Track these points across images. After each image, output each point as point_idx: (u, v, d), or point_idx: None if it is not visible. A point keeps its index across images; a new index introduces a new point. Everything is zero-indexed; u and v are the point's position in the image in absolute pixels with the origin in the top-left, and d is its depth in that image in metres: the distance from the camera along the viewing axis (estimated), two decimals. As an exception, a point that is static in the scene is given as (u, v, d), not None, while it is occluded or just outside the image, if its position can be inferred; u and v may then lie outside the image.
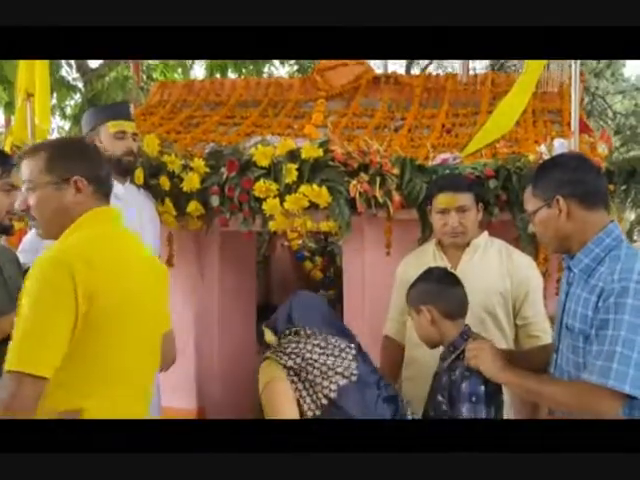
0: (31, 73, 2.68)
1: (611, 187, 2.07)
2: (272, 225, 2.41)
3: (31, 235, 2.10)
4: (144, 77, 5.98)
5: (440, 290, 1.74)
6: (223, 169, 2.41)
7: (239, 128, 3.39)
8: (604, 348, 1.32)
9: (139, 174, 2.41)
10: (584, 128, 2.80)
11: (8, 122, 5.64)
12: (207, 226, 2.56)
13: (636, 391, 1.29)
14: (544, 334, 2.01)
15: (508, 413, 1.90)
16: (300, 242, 4.63)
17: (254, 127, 3.40)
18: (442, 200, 2.02)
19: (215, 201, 2.42)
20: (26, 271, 1.68)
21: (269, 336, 1.80)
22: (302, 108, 3.63)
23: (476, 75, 3.80)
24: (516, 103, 2.40)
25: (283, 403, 1.63)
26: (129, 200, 2.26)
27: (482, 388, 1.56)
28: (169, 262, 2.65)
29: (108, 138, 2.19)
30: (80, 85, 5.95)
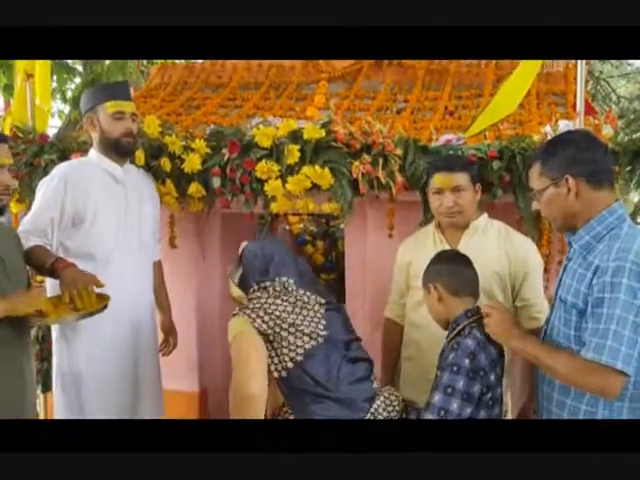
0: (30, 53, 2.65)
1: (616, 168, 2.06)
2: (274, 207, 2.40)
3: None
4: (144, 61, 5.93)
5: (446, 268, 1.76)
6: (224, 150, 2.38)
7: (240, 110, 3.37)
8: (600, 326, 1.35)
9: (140, 155, 2.39)
10: (589, 110, 2.78)
11: (7, 105, 5.61)
12: (208, 208, 2.54)
13: (626, 367, 1.32)
14: (544, 316, 2.01)
15: (505, 396, 1.91)
16: (301, 226, 4.63)
17: (255, 109, 3.38)
18: (437, 180, 2.02)
19: (216, 182, 2.39)
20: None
21: (236, 292, 1.81)
22: (304, 90, 3.60)
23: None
24: (520, 83, 2.38)
25: (251, 354, 1.63)
26: (128, 182, 2.24)
27: (466, 361, 1.57)
28: (172, 244, 2.65)
29: (106, 118, 2.13)
30: (80, 68, 5.90)
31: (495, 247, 2.05)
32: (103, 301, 1.89)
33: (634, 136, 2.13)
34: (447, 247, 2.05)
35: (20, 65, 2.68)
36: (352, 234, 2.68)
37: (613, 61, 8.98)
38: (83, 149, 2.49)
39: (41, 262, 1.94)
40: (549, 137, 2.23)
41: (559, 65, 2.65)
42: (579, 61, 2.21)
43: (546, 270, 2.24)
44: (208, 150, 2.41)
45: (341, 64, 3.69)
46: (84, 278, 1.88)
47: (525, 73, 2.34)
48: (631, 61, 9.93)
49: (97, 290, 1.89)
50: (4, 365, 1.73)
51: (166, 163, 2.43)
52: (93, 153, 2.22)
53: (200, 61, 4.05)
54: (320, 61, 3.73)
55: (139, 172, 2.36)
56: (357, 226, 2.61)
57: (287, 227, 4.57)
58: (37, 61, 2.69)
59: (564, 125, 2.35)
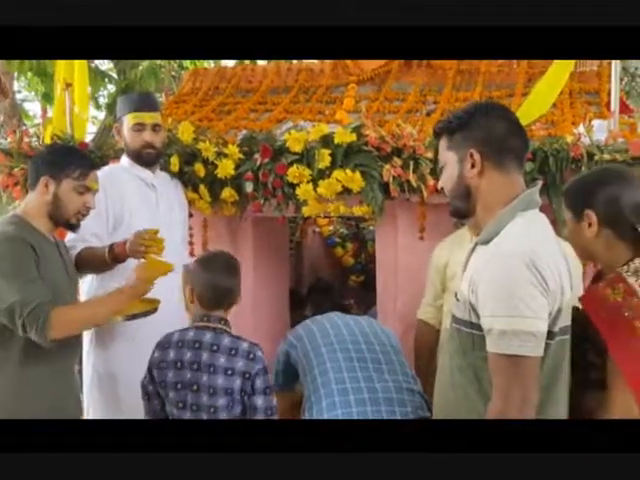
0: (70, 62, 2.73)
1: None
2: (305, 210, 2.43)
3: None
4: (175, 65, 6.03)
5: (195, 274, 1.78)
6: (257, 155, 2.42)
7: (271, 114, 3.40)
8: None
9: (174, 161, 2.45)
10: (623, 108, 2.73)
11: (44, 112, 5.77)
12: (241, 212, 2.59)
13: None
14: None
15: None
16: (331, 228, 4.65)
17: (285, 113, 3.40)
18: None
19: (249, 187, 2.44)
20: None
21: None
22: (333, 93, 3.61)
23: (510, 56, 3.70)
24: (553, 84, 2.35)
25: None
26: (159, 187, 2.32)
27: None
28: (204, 248, 2.70)
29: (127, 130, 2.23)
30: (114, 74, 6.03)
31: None
32: (154, 303, 1.95)
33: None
34: None
35: (59, 74, 2.76)
36: (383, 237, 2.69)
37: (648, 56, 8.74)
38: (120, 156, 2.56)
39: (98, 257, 2.01)
40: (582, 138, 2.21)
41: (592, 64, 2.61)
42: (614, 60, 2.18)
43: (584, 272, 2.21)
44: (241, 155, 2.45)
45: (370, 66, 3.69)
46: (142, 234, 1.95)
47: (558, 73, 2.32)
48: (667, 55, 9.62)
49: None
50: (58, 363, 1.80)
51: (200, 169, 2.48)
52: (125, 159, 2.31)
53: (230, 66, 4.10)
54: (349, 64, 3.73)
55: (169, 178, 2.44)
56: (388, 229, 2.62)
57: (317, 229, 4.60)
58: (75, 70, 2.77)
59: (598, 124, 2.32)
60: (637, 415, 1.36)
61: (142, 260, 1.91)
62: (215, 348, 1.71)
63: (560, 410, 1.34)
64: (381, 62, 3.67)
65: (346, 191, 2.37)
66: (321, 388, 1.90)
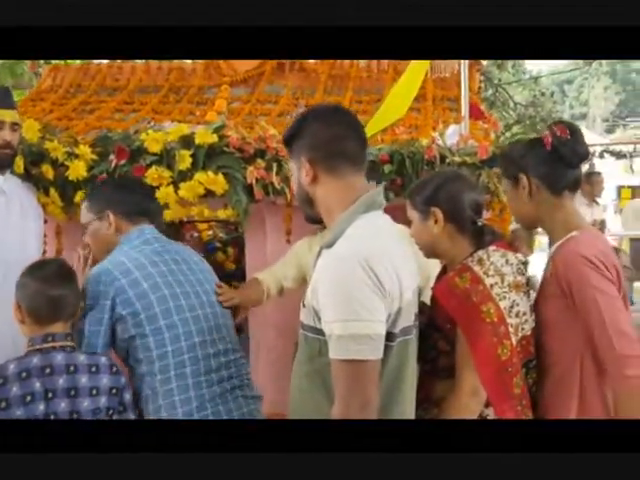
0: None
1: (497, 171, 2.15)
2: (167, 214, 2.31)
3: None
4: (41, 61, 5.59)
5: (22, 287, 1.60)
6: (112, 156, 2.28)
7: (137, 114, 3.24)
8: None
9: (19, 162, 2.24)
10: (479, 115, 2.90)
11: None
12: (99, 217, 2.42)
13: None
14: None
15: None
16: (210, 232, 4.53)
17: (154, 113, 3.26)
18: None
19: (104, 190, 2.28)
20: None
21: None
22: (205, 94, 3.52)
23: (378, 62, 3.82)
24: (408, 87, 2.44)
25: None
26: (9, 192, 2.13)
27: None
28: (58, 257, 2.50)
29: None
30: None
31: None
32: None
33: (512, 139, 2.24)
34: None
35: None
36: (252, 240, 2.64)
37: (510, 68, 9.50)
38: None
39: None
40: (437, 141, 2.31)
41: (446, 72, 2.75)
42: (462, 61, 2.30)
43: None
44: (94, 156, 2.30)
45: (243, 67, 3.64)
46: None
47: (412, 77, 2.41)
48: (528, 69, 10.57)
49: None
50: None
51: (48, 170, 2.29)
52: None
53: (95, 62, 3.87)
54: (222, 64, 3.66)
55: (20, 182, 2.25)
56: (257, 232, 2.58)
57: (196, 234, 4.45)
58: None
59: (452, 129, 2.44)
60: (483, 396, 1.42)
61: None
62: (72, 369, 1.54)
63: (405, 412, 1.34)
64: (255, 63, 3.64)
65: (210, 194, 2.30)
66: (174, 381, 1.64)
